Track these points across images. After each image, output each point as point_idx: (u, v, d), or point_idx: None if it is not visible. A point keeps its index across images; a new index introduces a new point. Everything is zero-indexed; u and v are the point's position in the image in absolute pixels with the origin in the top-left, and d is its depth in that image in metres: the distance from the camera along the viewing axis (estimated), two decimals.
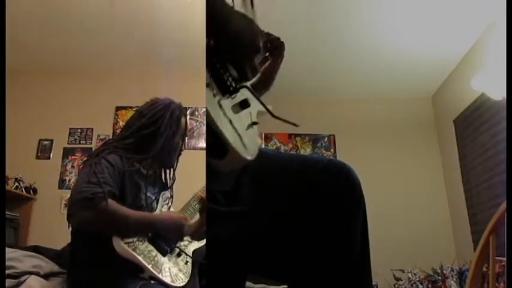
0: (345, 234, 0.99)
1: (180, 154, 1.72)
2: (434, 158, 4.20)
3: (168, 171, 1.72)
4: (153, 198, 1.58)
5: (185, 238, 1.60)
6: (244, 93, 0.89)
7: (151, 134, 1.58)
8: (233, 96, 0.86)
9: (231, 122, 0.81)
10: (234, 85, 0.85)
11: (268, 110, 0.92)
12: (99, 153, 1.48)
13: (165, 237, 1.50)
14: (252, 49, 0.99)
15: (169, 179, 1.71)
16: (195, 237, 1.62)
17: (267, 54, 1.25)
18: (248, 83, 0.94)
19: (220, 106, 0.81)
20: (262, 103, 0.92)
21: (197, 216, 1.67)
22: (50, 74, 4.02)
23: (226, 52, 0.86)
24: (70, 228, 1.45)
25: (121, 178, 1.45)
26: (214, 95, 0.80)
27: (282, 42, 1.25)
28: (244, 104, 0.86)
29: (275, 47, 1.25)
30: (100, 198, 1.30)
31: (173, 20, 3.27)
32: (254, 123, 0.91)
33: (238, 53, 0.93)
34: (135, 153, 1.54)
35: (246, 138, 0.84)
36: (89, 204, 1.29)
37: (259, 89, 1.10)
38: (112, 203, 1.34)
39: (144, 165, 1.56)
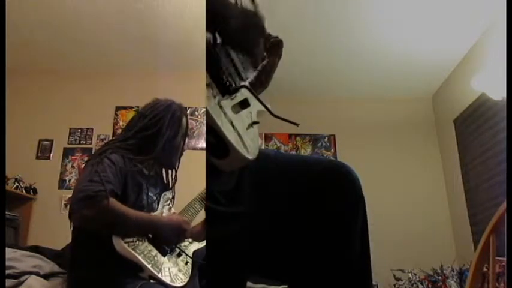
0: (345, 235, 0.99)
1: (181, 155, 1.72)
2: (434, 158, 4.20)
3: (169, 171, 1.72)
4: (155, 198, 1.58)
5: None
6: (244, 93, 0.89)
7: (153, 135, 1.58)
8: (233, 96, 0.86)
9: (231, 122, 0.81)
10: (233, 85, 0.85)
11: (267, 109, 0.92)
12: (101, 153, 1.48)
13: (165, 239, 1.50)
14: (252, 42, 0.99)
15: (171, 179, 1.71)
16: (198, 239, 1.62)
17: (265, 52, 1.25)
18: (247, 82, 0.94)
19: (221, 106, 0.81)
20: (261, 102, 0.92)
21: (199, 219, 1.67)
22: (50, 74, 4.01)
23: (229, 43, 0.86)
24: (71, 228, 1.45)
25: (123, 177, 1.45)
26: (215, 96, 0.81)
27: (280, 41, 1.23)
28: (244, 104, 0.86)
29: (273, 45, 1.22)
30: (102, 197, 1.30)
31: (173, 20, 3.27)
32: (254, 122, 0.91)
33: (241, 45, 0.93)
34: (137, 154, 1.54)
35: (246, 138, 0.84)
36: (91, 202, 1.29)
37: (256, 87, 1.09)
38: (113, 202, 1.33)
39: (145, 165, 1.56)
